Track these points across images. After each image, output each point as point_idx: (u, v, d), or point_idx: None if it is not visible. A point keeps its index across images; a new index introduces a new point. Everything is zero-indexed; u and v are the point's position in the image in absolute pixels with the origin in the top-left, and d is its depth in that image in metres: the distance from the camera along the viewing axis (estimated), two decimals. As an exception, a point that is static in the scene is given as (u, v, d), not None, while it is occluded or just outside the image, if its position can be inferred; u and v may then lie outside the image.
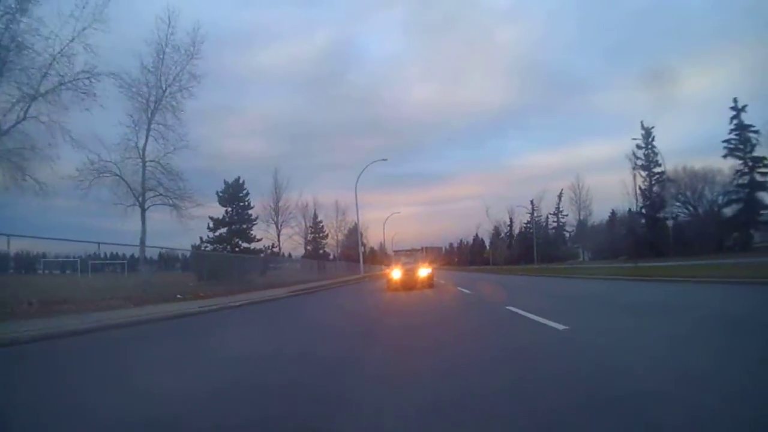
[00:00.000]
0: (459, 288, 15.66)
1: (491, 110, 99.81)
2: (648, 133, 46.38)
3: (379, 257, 66.37)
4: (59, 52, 12.21)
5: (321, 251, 52.22)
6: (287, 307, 12.49)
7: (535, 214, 72.05)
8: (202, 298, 15.16)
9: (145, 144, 16.49)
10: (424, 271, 16.93)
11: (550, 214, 73.43)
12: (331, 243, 54.08)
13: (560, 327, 5.29)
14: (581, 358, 3.75)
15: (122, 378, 4.04)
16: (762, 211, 39.55)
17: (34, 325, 7.32)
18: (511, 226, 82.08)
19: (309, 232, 47.94)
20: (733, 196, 41.74)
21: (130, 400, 3.14)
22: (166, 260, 21.49)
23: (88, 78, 12.78)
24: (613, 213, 57.18)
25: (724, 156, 41.42)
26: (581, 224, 61.76)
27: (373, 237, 72.20)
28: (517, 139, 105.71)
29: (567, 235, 72.21)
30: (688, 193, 46.12)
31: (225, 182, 27.08)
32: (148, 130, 16.49)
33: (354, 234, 49.87)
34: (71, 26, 12.74)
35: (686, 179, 46.02)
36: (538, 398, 2.66)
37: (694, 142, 71.68)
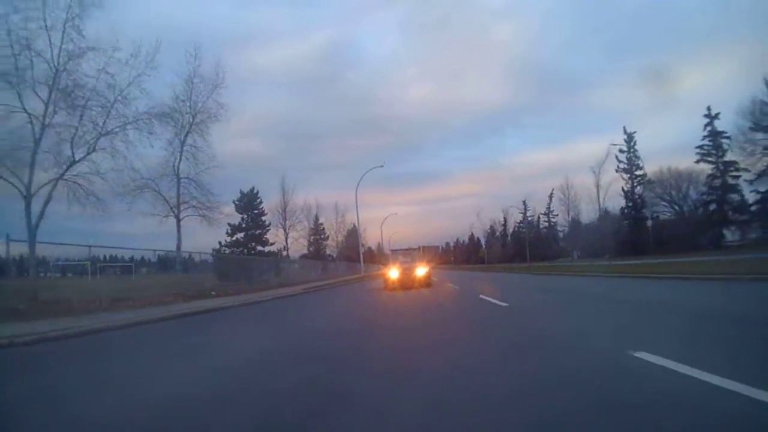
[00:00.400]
0: (449, 284, 18.57)
1: (488, 109, 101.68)
2: (630, 138, 49.41)
3: (377, 257, 68.82)
4: (120, 95, 15.08)
5: (322, 251, 54.95)
6: (308, 300, 15.34)
7: (528, 213, 74.96)
8: (231, 295, 17.96)
9: (179, 163, 19.31)
10: (421, 270, 17.19)
11: (542, 213, 76.04)
12: (331, 244, 56.87)
13: (504, 305, 8.21)
14: (509, 320, 6.67)
15: (231, 339, 6.92)
16: (732, 212, 42.67)
17: (123, 315, 9.76)
18: (505, 225, 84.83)
19: (311, 233, 50.61)
20: (707, 198, 44.84)
21: (245, 347, 6.02)
22: (190, 263, 24.28)
23: (148, 118, 15.74)
24: (606, 211, 59.86)
25: (697, 161, 44.51)
26: (574, 223, 64.31)
27: (371, 236, 74.36)
28: (513, 138, 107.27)
29: (561, 234, 74.77)
30: (673, 193, 49.01)
31: (241, 192, 30.20)
32: (181, 151, 19.30)
33: (353, 235, 52.91)
34: (127, 73, 15.59)
35: (671, 180, 48.84)
36: (480, 340, 5.55)
37: (689, 139, 73.33)
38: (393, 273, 17.00)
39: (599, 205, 44.79)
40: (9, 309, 9.57)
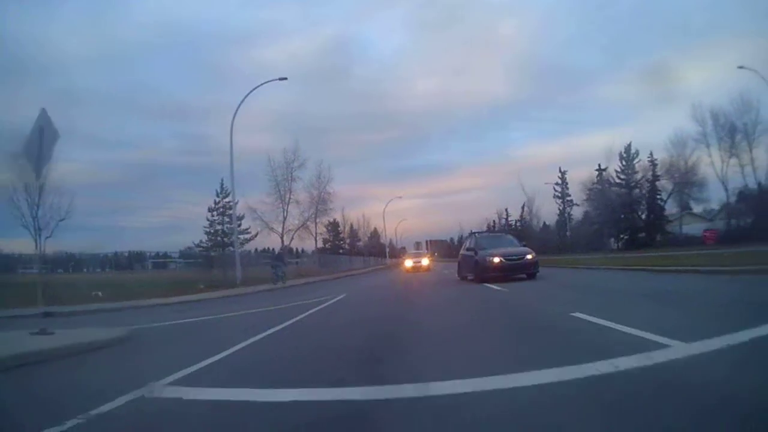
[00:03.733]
0: (444, 271, 26.93)
1: (493, 102, 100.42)
2: (563, 175, 57.22)
3: (393, 250, 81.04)
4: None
5: (354, 246, 71.09)
6: (381, 274, 32.27)
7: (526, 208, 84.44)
8: (333, 273, 35.18)
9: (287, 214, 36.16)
10: (425, 261, 30.58)
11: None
12: (361, 241, 73.31)
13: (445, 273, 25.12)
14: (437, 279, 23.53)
15: (359, 281, 24.18)
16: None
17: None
18: (507, 219, 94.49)
19: (350, 235, 67.58)
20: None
21: (365, 282, 23.23)
22: (304, 256, 41.78)
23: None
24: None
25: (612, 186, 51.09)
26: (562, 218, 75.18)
27: (380, 227, 78.07)
28: (519, 131, 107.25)
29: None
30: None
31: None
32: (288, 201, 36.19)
33: (375, 236, 70.46)
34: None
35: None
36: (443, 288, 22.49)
37: (688, 133, 77.46)
38: (408, 263, 30.95)
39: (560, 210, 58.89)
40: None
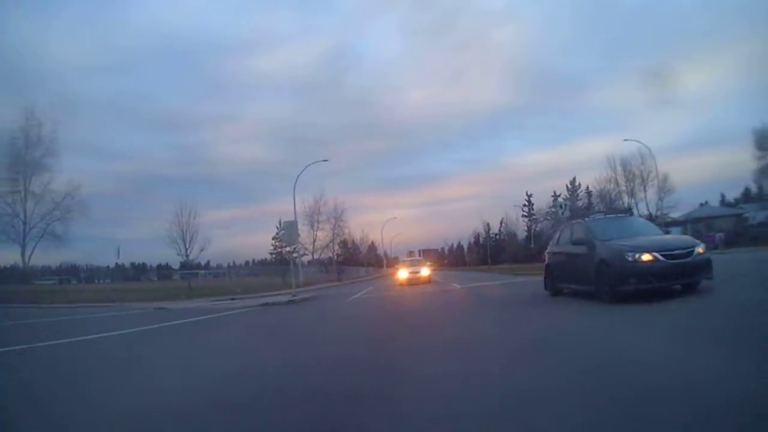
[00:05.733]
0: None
1: (488, 110, 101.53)
2: (529, 200, 68.20)
3: (388, 261, 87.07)
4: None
5: (349, 256, 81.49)
6: (383, 279, 43.27)
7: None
8: (343, 281, 46.20)
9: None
10: (425, 271, 24.14)
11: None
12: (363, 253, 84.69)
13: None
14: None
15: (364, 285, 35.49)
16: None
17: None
18: (488, 232, 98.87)
19: (352, 248, 78.40)
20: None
21: (369, 288, 34.57)
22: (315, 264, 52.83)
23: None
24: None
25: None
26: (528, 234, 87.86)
27: (373, 238, 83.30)
28: (513, 139, 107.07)
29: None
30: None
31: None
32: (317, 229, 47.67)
33: (373, 249, 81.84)
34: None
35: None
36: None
37: (690, 138, 73.81)
38: (403, 273, 24.63)
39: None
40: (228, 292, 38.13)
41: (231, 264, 69.12)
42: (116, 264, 42.82)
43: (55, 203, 24.93)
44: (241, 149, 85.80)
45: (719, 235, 30.75)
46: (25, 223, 23.88)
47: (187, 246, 36.06)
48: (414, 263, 27.64)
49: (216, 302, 17.57)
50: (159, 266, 69.81)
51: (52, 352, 6.86)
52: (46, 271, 58.18)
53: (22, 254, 24.35)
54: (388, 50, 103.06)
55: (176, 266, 59.10)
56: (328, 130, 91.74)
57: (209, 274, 64.99)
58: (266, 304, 15.11)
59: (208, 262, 68.20)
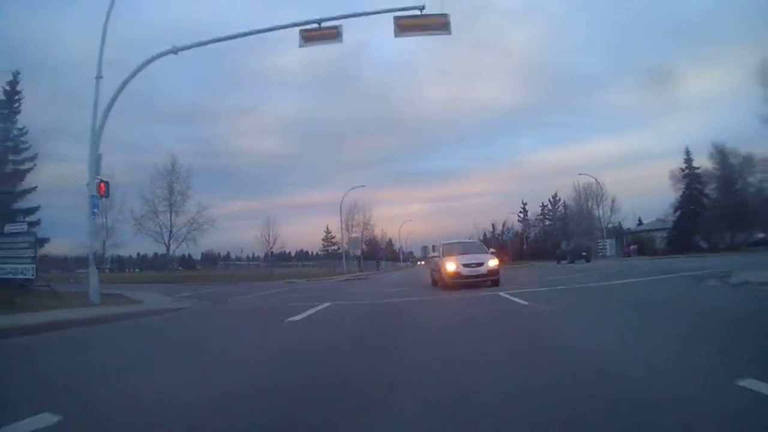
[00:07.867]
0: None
1: (503, 108, 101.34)
2: (524, 208, 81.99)
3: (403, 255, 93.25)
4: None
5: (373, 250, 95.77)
6: (413, 269, 57.97)
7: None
8: (378, 271, 61.64)
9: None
10: (492, 262, 13.40)
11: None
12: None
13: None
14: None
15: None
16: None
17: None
18: (493, 232, 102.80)
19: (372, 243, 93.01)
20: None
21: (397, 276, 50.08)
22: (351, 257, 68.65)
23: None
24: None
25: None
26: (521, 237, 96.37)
27: (389, 232, 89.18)
28: (528, 137, 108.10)
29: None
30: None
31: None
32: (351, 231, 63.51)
33: (390, 244, 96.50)
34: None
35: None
36: None
37: (698, 139, 76.17)
38: (450, 266, 17.12)
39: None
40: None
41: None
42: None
43: (189, 219, 39.22)
44: (256, 142, 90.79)
45: (633, 247, 44.90)
46: (170, 231, 39.71)
47: (271, 243, 51.76)
48: (468, 248, 15.28)
49: (312, 282, 33.40)
50: (248, 257, 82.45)
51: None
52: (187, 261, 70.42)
53: (167, 249, 39.64)
54: (404, 47, 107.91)
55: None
56: (343, 125, 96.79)
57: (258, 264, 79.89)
58: (347, 279, 30.74)
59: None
